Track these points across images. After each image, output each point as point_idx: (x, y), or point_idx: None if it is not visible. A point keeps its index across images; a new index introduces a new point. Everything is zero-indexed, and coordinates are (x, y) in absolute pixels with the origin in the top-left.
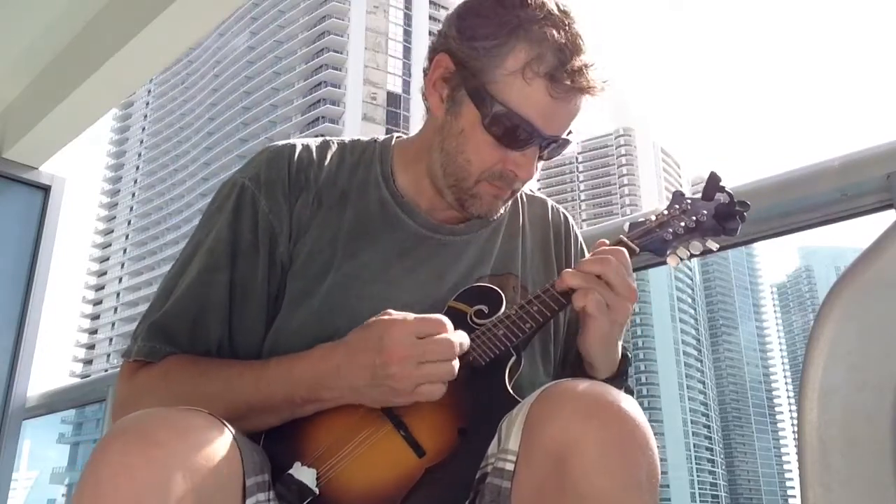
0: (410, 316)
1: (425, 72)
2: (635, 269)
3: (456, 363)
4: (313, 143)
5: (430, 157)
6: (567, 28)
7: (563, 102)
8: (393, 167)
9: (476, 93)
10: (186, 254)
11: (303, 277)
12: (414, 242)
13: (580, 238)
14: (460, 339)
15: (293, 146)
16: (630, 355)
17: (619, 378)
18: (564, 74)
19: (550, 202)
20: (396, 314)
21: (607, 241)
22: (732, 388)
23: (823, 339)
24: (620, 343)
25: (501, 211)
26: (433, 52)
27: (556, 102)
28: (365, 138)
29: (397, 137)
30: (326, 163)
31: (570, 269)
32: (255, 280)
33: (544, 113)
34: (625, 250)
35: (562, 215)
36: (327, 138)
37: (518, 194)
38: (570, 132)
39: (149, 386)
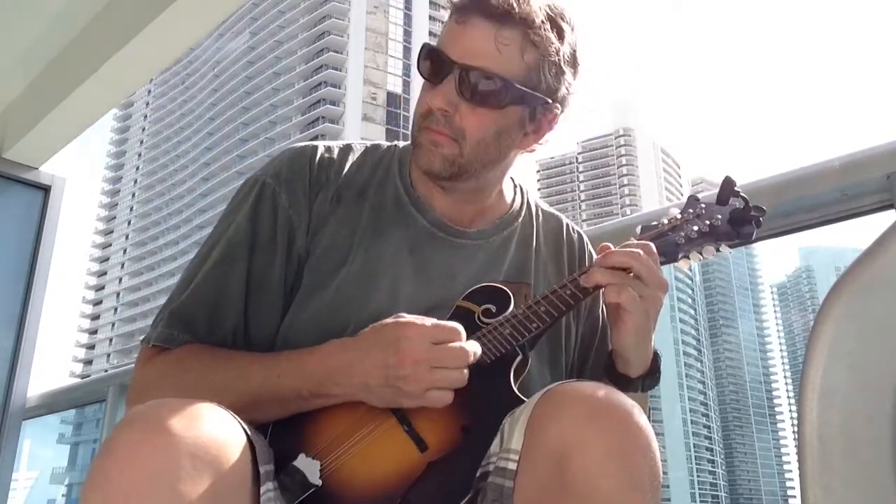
0: (428, 321)
1: None
2: None
3: (466, 372)
4: (335, 144)
5: None
6: None
7: (465, 26)
8: (411, 169)
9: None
10: (207, 246)
11: (318, 271)
12: (425, 240)
13: (595, 255)
14: (473, 348)
15: (315, 147)
16: (660, 353)
17: (651, 376)
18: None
19: (566, 219)
20: (412, 317)
21: (611, 245)
22: (732, 388)
23: (823, 339)
24: (653, 337)
25: (439, 165)
26: None
27: (460, 27)
28: (386, 143)
29: None
30: (348, 163)
31: (598, 267)
32: (272, 272)
33: (452, 39)
34: (652, 244)
35: (576, 232)
36: (349, 141)
37: (532, 208)
38: (491, 76)
39: (163, 371)
